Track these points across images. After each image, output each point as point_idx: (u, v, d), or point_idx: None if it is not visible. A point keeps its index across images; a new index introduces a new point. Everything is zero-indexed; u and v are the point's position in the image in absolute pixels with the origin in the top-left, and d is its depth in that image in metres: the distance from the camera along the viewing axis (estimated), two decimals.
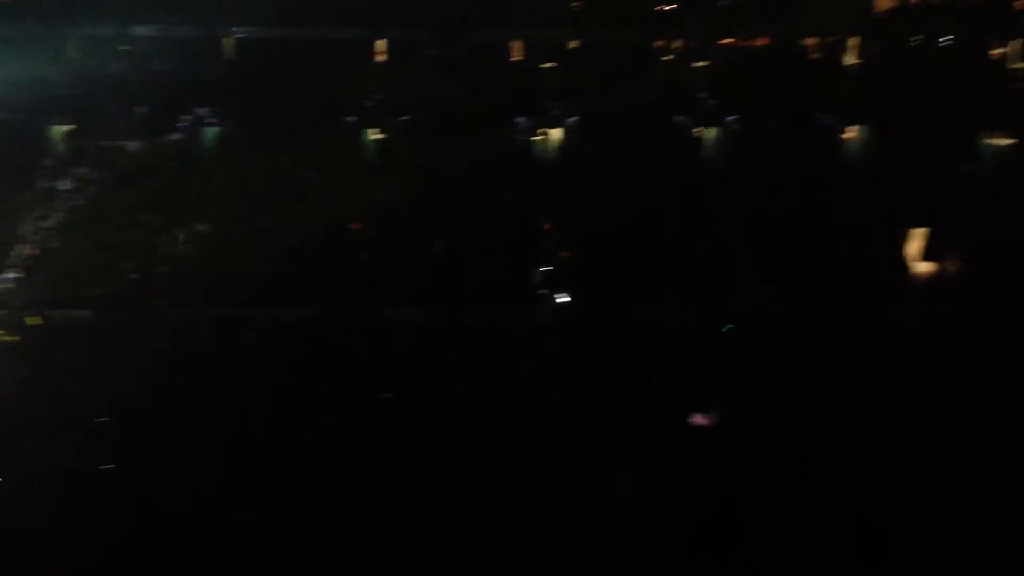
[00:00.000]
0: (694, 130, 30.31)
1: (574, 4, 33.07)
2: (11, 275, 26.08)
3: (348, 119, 30.56)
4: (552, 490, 14.92)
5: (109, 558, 13.22)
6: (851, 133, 29.55)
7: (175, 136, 30.56)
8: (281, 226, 26.32)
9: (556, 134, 30.46)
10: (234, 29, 32.91)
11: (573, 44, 32.84)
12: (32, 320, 23.76)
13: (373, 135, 30.46)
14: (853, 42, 32.26)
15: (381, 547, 13.78)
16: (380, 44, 33.47)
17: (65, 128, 30.92)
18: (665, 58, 32.90)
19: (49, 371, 20.41)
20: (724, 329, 21.96)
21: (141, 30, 32.67)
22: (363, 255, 25.99)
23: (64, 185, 28.99)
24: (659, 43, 32.90)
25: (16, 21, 31.62)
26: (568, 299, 24.11)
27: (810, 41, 32.48)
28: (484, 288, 23.84)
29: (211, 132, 30.80)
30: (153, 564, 13.23)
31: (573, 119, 30.55)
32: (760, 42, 33.02)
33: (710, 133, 30.41)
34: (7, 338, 23.03)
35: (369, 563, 13.47)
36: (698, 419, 17.52)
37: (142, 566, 13.21)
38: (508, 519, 14.19)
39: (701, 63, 32.48)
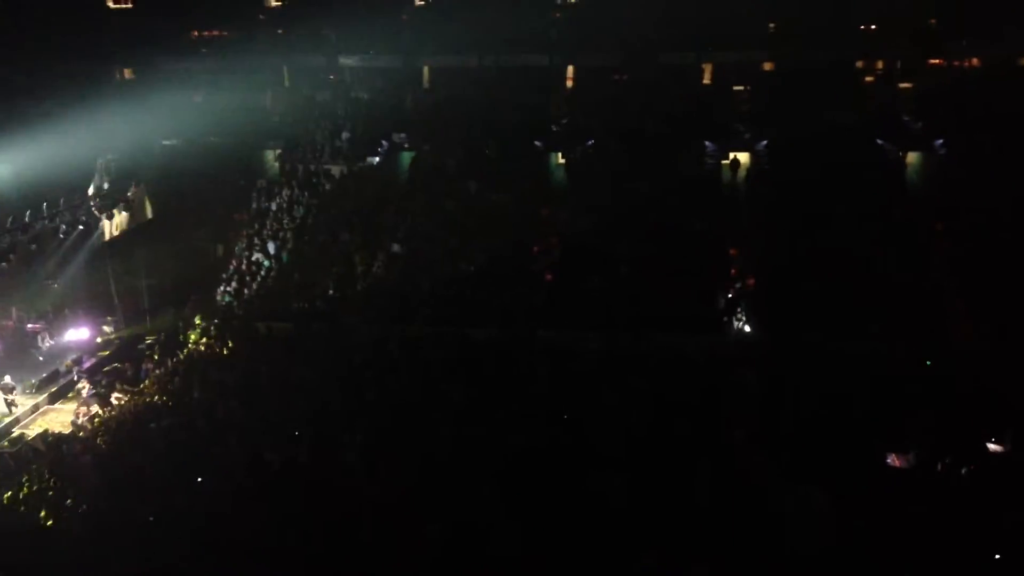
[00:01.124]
0: (899, 153, 28.61)
1: (769, 25, 32.19)
2: (225, 288, 28.25)
3: (536, 143, 31.01)
4: (736, 524, 14.35)
5: (305, 556, 13.81)
6: None
7: (374, 160, 32.09)
8: (470, 248, 27.05)
9: (745, 159, 29.65)
10: (432, 58, 34.37)
11: (767, 66, 31.94)
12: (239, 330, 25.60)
13: (560, 159, 30.78)
14: None
15: (554, 568, 13.68)
16: (570, 70, 33.94)
17: (276, 152, 33.26)
18: (867, 79, 31.39)
19: (255, 379, 21.80)
20: (927, 363, 20.52)
21: (347, 61, 34.74)
22: (548, 278, 26.22)
23: (273, 206, 31.14)
24: (860, 63, 31.44)
25: (235, 54, 34.32)
26: (751, 328, 23.31)
27: None
28: (668, 315, 23.43)
29: (407, 156, 32.15)
30: (341, 565, 13.71)
31: (763, 143, 29.63)
32: (972, 62, 30.90)
33: (914, 158, 28.67)
34: (214, 345, 24.88)
35: None
36: (895, 459, 16.38)
37: (332, 566, 13.72)
38: (687, 551, 13.74)
39: (906, 84, 30.75)
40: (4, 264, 26.07)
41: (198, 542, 14.03)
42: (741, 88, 32.12)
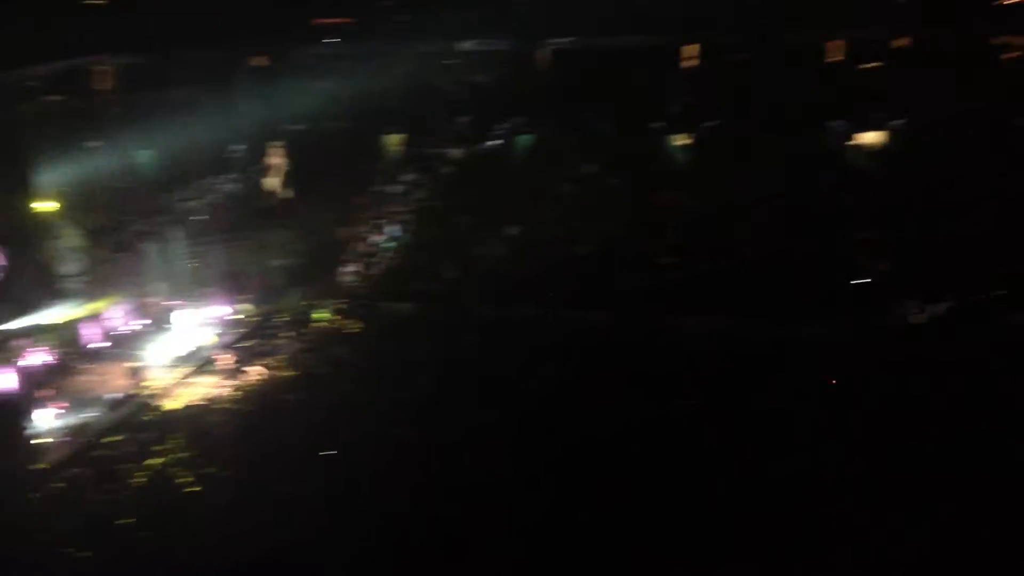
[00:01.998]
0: None
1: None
2: (348, 269, 29.24)
3: (654, 125, 30.69)
4: (872, 515, 14.15)
5: (424, 524, 14.36)
6: None
7: (491, 143, 32.45)
8: (585, 231, 27.11)
9: (874, 138, 28.59)
10: (548, 40, 34.34)
11: (899, 43, 30.60)
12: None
13: (678, 141, 30.40)
14: None
15: (667, 546, 13.78)
16: (689, 49, 33.32)
17: (396, 136, 34.04)
18: (1006, 56, 29.73)
19: (377, 357, 22.62)
20: None
21: (465, 45, 35.13)
22: (664, 261, 26.05)
23: (394, 189, 31.97)
24: (999, 40, 29.76)
25: (357, 41, 35.17)
26: (879, 314, 22.60)
27: None
28: (789, 301, 22.98)
29: (523, 139, 32.36)
30: (456, 535, 14.15)
31: (895, 123, 28.49)
32: None
33: None
34: (340, 324, 25.82)
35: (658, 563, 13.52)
36: None
37: (452, 536, 14.18)
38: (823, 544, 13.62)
39: None
40: (148, 243, 27.71)
41: (329, 513, 14.76)
42: (871, 66, 30.85)
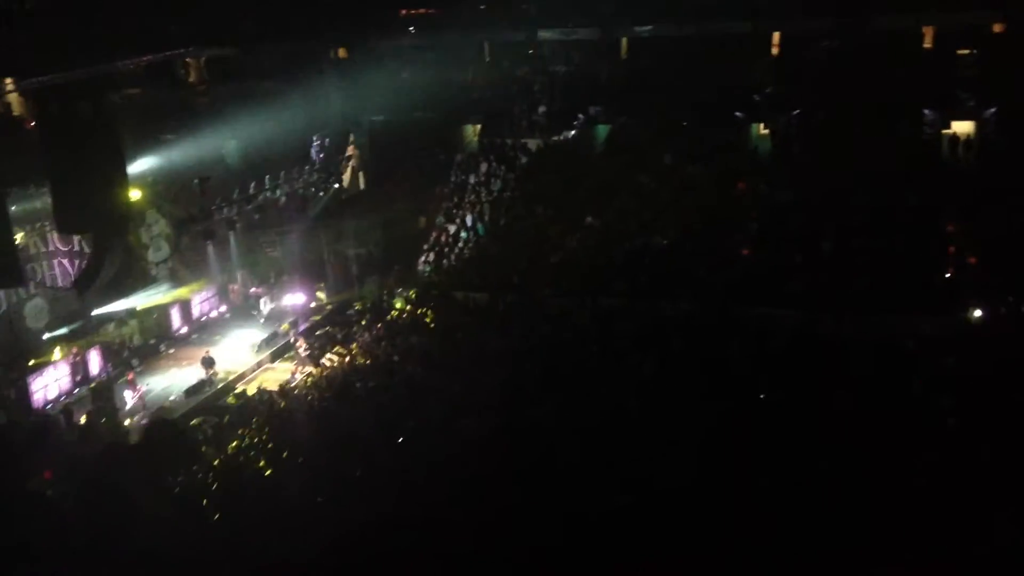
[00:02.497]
0: None
1: None
2: (426, 259, 29.43)
3: (738, 113, 30.02)
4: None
5: (494, 519, 14.27)
6: None
7: (570, 133, 32.20)
8: (664, 221, 26.66)
9: (968, 128, 27.35)
10: (630, 29, 33.88)
11: (998, 28, 29.21)
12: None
13: (763, 130, 29.66)
14: None
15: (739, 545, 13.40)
16: (775, 36, 32.50)
17: (476, 126, 34.11)
18: None
19: (452, 347, 22.62)
20: None
21: (546, 34, 34.96)
22: (744, 253, 25.42)
23: (472, 179, 32.04)
24: None
25: (438, 31, 35.34)
26: (972, 311, 21.58)
27: None
28: (875, 295, 22.15)
29: (603, 129, 32.03)
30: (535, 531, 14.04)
31: (990, 112, 27.20)
32: None
33: None
34: (416, 313, 25.96)
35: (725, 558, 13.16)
36: None
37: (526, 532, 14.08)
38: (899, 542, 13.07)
39: None
40: (231, 232, 28.39)
41: (400, 501, 14.80)
42: (966, 52, 29.52)
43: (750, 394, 18.15)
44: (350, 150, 31.02)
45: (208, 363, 24.84)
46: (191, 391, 24.20)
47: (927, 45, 30.46)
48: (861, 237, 24.05)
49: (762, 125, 29.72)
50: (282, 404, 21.50)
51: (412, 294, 27.18)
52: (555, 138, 32.08)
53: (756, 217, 26.30)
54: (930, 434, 16.01)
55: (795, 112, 29.34)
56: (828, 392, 17.73)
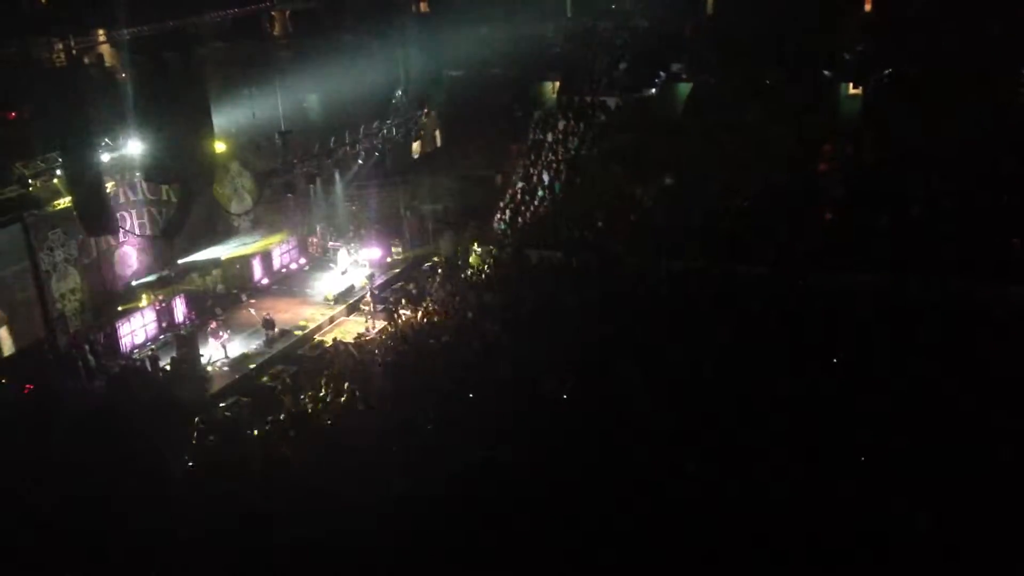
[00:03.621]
0: None
1: None
2: (501, 216, 29.42)
3: (826, 72, 28.98)
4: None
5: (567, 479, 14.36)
6: None
7: (651, 91, 31.59)
8: (745, 182, 26.07)
9: None
10: None
11: None
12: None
13: (852, 90, 28.61)
14: None
15: (808, 516, 13.21)
16: None
17: (555, 83, 33.71)
18: None
19: (525, 305, 22.65)
20: None
21: None
22: (828, 216, 24.73)
23: (550, 137, 31.76)
24: None
25: None
26: None
27: None
28: (961, 261, 21.36)
29: (684, 87, 31.34)
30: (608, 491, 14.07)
31: None
32: None
33: None
34: (490, 270, 26.07)
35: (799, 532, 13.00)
36: None
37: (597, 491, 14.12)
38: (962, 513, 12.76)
39: None
40: (311, 186, 28.81)
41: (469, 456, 14.98)
42: None
43: (828, 361, 17.80)
44: (429, 105, 31.03)
45: (269, 324, 25.03)
46: (271, 340, 24.80)
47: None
48: (950, 202, 23.18)
49: (851, 85, 28.61)
50: (357, 356, 21.88)
51: (486, 251, 27.23)
52: (635, 96, 31.47)
53: (841, 180, 25.54)
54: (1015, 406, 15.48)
55: (886, 72, 28.17)
56: (910, 360, 17.28)
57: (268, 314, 25.38)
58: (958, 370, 16.74)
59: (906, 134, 25.11)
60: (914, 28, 28.89)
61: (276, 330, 24.96)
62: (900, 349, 17.82)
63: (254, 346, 24.71)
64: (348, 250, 30.31)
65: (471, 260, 27.34)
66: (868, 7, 31.66)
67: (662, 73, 31.75)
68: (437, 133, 34.22)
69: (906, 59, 27.95)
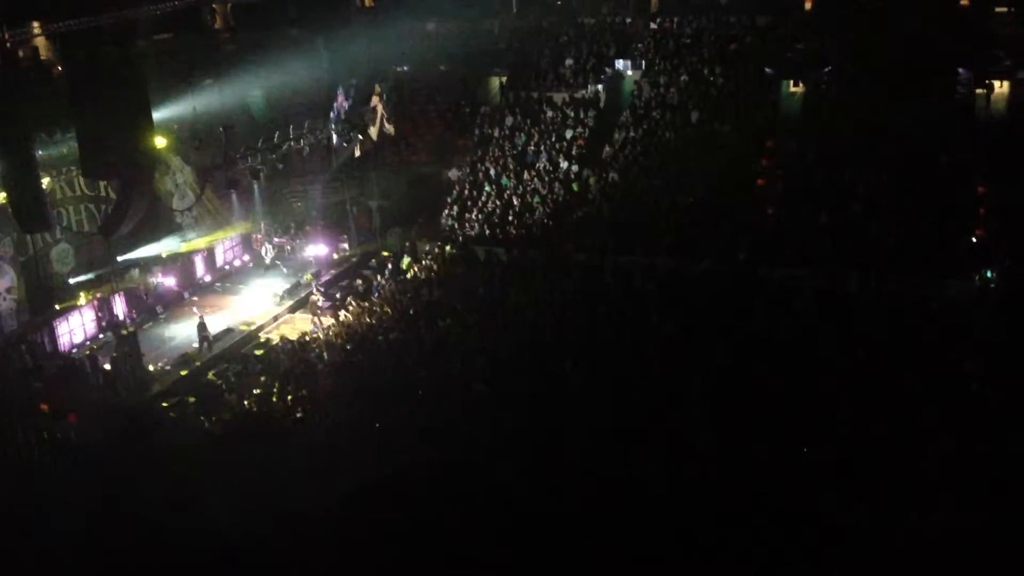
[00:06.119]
0: None
1: None
2: (448, 212, 29.34)
3: (767, 70, 29.44)
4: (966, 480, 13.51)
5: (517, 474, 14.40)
6: None
7: (596, 88, 31.75)
8: (689, 179, 26.41)
9: (1003, 88, 26.72)
10: None
11: None
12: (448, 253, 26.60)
13: (793, 87, 29.09)
14: None
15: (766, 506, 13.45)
16: None
17: (501, 79, 33.69)
18: None
19: (472, 301, 22.63)
20: None
21: None
22: (770, 212, 25.17)
23: (496, 132, 31.75)
24: None
25: None
26: (999, 274, 21.28)
27: None
28: (903, 255, 21.93)
29: (629, 83, 31.57)
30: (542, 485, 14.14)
31: None
32: None
33: None
34: (437, 267, 26.01)
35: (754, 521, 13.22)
36: None
37: (536, 485, 14.19)
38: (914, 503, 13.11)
39: None
40: (255, 182, 28.35)
41: (418, 452, 14.94)
42: (1004, 10, 28.75)
43: (771, 353, 18.12)
44: (375, 101, 30.73)
45: (202, 328, 24.31)
46: (214, 339, 24.35)
47: (963, 2, 29.70)
48: (890, 197, 23.77)
49: (792, 82, 29.11)
50: (303, 354, 21.65)
51: (433, 248, 27.16)
52: (581, 92, 31.64)
53: (783, 176, 26.02)
54: (954, 397, 15.94)
55: (826, 69, 28.73)
56: (850, 352, 17.68)
57: (202, 317, 24.72)
58: (896, 361, 17.19)
59: (846, 131, 25.66)
60: (852, 26, 29.53)
61: (210, 333, 24.21)
62: (841, 341, 18.23)
63: (197, 344, 24.27)
64: (293, 246, 30.01)
65: (418, 256, 27.27)
66: (809, 5, 32.26)
67: (608, 69, 31.94)
68: (384, 128, 33.92)
69: (845, 57, 28.53)
